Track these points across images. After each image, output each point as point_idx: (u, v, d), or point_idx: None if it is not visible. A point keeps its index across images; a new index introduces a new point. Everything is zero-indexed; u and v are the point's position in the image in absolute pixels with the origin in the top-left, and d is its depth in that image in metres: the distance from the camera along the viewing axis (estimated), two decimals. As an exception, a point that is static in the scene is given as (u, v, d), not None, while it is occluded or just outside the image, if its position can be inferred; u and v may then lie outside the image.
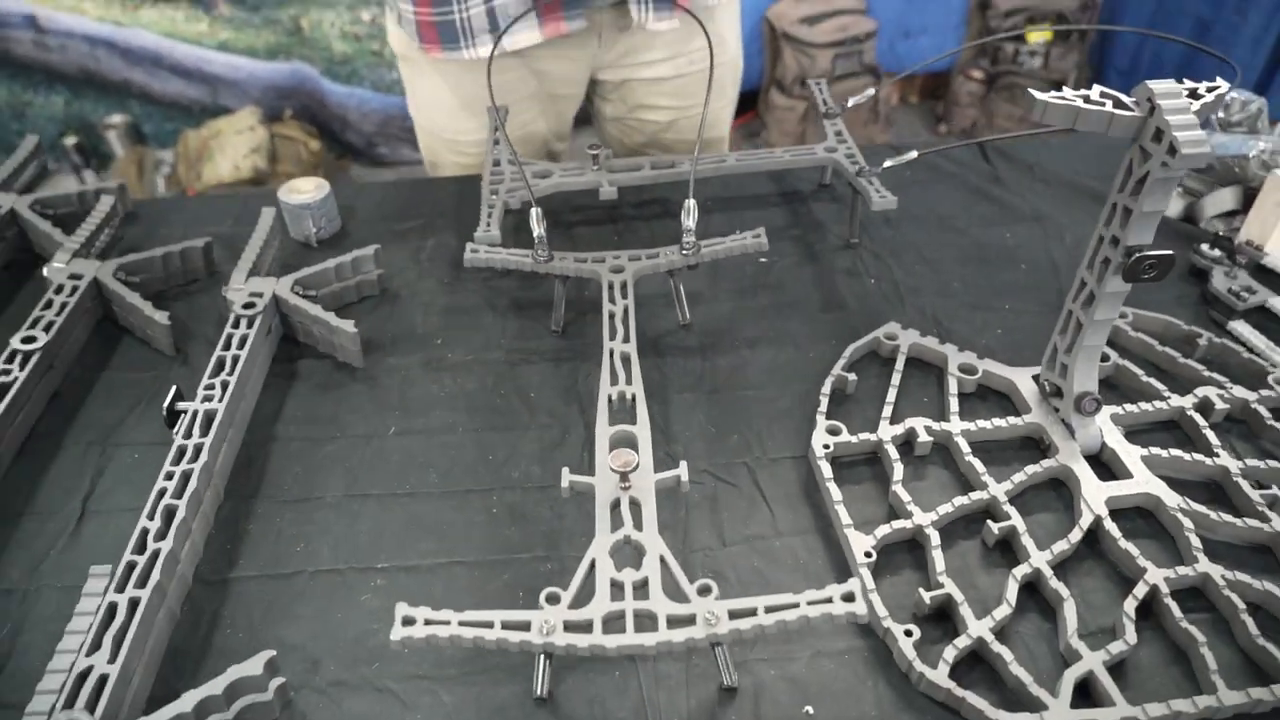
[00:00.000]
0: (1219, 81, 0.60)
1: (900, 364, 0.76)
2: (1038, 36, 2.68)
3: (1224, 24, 2.23)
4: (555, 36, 1.03)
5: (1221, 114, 1.01)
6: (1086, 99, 0.58)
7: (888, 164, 0.84)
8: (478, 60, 1.03)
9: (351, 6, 2.49)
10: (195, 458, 0.64)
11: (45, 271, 0.83)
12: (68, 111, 2.66)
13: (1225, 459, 0.67)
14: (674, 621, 0.50)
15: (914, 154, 0.83)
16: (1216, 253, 0.88)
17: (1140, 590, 0.58)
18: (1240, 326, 0.81)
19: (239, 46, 2.54)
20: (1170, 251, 0.59)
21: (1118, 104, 0.58)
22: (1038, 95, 0.58)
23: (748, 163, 0.92)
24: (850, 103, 0.95)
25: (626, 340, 0.70)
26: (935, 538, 0.61)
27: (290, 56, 2.57)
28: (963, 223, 0.97)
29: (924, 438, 0.69)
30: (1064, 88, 0.59)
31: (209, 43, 2.54)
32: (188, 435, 0.66)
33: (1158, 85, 0.57)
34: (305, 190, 0.95)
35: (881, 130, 2.83)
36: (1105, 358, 0.76)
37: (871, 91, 0.95)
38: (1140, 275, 0.60)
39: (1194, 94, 0.58)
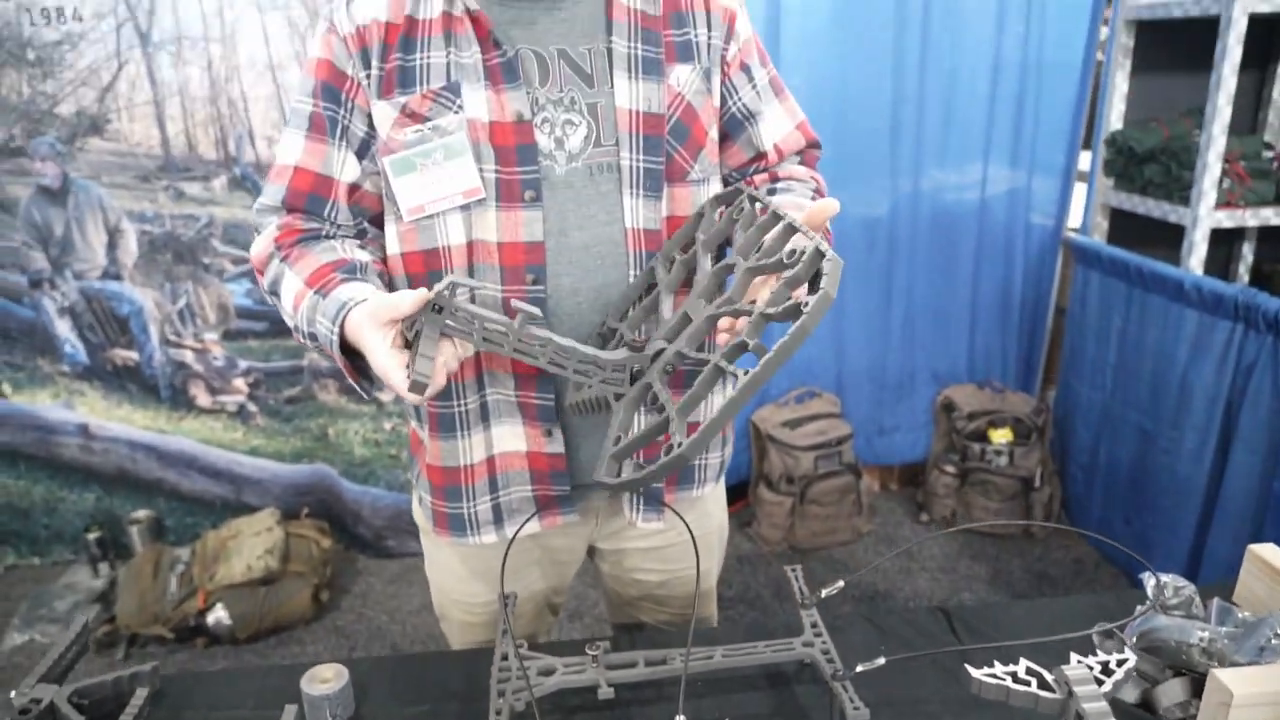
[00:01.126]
0: (1127, 654, 0.70)
1: None
2: (1000, 437, 2.93)
3: (1165, 437, 2.46)
4: (553, 528, 1.17)
5: (1160, 598, 1.12)
6: (1015, 677, 0.69)
7: (860, 669, 0.93)
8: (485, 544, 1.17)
9: (374, 417, 2.75)
10: None
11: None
12: (97, 507, 2.83)
13: None
14: None
15: (881, 660, 0.92)
16: (1176, 751, 0.93)
17: None
18: (1210, 840, 0.85)
19: (268, 451, 2.77)
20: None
21: (1042, 683, 0.68)
22: (974, 673, 0.69)
23: (734, 659, 1.01)
24: (823, 593, 1.07)
25: None
26: None
27: (314, 459, 2.79)
28: (935, 708, 1.03)
29: None
30: (995, 664, 0.70)
31: (241, 447, 2.77)
32: None
33: (1072, 672, 0.67)
34: (326, 679, 1.03)
35: (865, 521, 2.98)
36: None
37: (841, 584, 1.07)
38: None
39: (1106, 668, 0.69)
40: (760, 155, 1.16)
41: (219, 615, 2.41)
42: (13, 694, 1.00)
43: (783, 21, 2.57)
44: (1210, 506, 2.36)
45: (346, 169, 1.06)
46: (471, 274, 1.04)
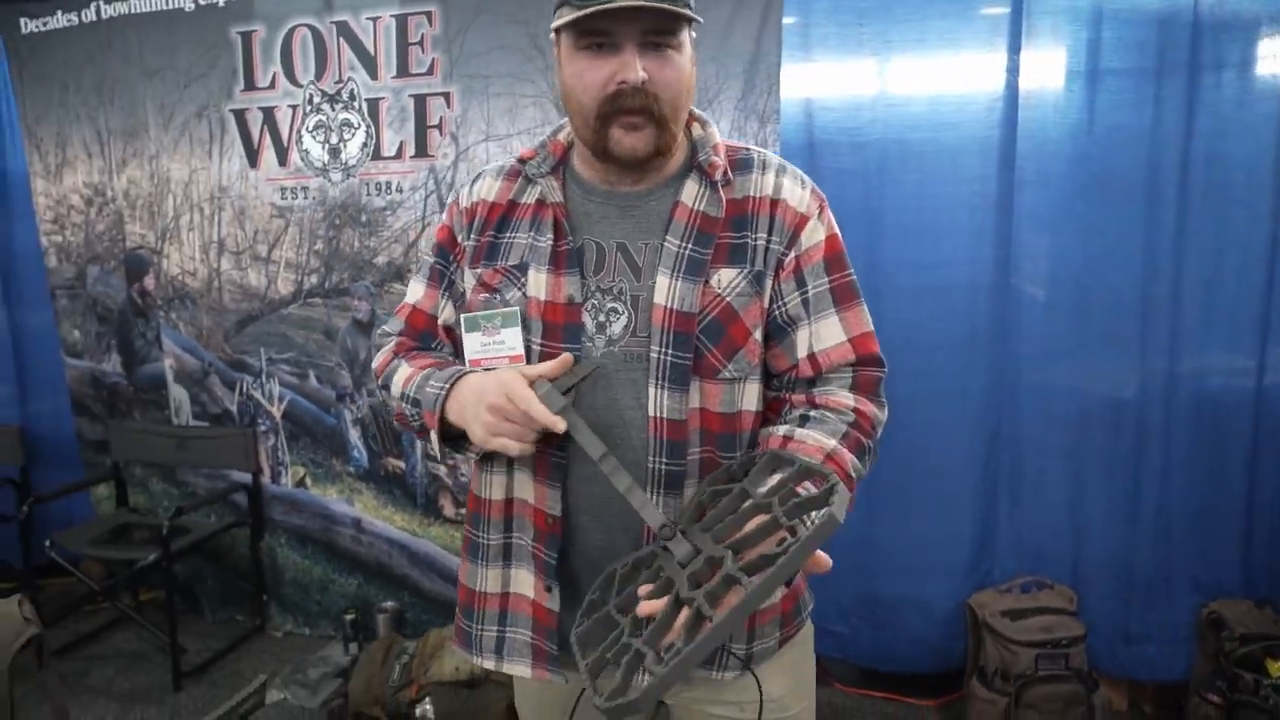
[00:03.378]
0: None
1: None
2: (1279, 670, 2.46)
3: None
4: (541, 680, 1.19)
5: None
6: None
7: None
8: None
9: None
10: None
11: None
12: (357, 592, 3.26)
13: None
14: None
15: None
16: None
17: None
18: None
19: (494, 564, 3.05)
20: None
21: None
22: None
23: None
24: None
25: None
26: None
27: (531, 578, 3.02)
28: None
29: None
30: None
31: (473, 557, 3.08)
32: None
33: None
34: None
35: (1099, 741, 2.60)
36: None
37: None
38: None
39: None
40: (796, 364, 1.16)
41: (425, 709, 2.65)
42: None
43: (1016, 196, 2.54)
44: None
45: (445, 313, 1.25)
46: None
